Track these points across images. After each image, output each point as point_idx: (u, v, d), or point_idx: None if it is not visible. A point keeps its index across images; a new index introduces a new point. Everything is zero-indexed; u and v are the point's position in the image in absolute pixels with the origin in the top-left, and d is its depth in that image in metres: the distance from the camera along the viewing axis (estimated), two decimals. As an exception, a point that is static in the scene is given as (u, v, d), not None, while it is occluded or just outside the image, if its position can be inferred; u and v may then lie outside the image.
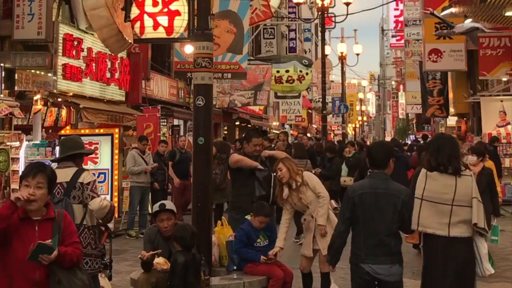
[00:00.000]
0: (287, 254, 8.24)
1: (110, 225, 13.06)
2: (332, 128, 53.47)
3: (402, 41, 42.42)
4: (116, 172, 13.43)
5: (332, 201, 7.52)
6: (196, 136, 6.97)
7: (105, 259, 6.06)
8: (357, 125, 76.42)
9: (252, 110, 32.99)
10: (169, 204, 6.62)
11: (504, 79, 17.64)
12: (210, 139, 7.08)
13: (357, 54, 44.53)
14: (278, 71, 25.44)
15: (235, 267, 6.99)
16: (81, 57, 15.68)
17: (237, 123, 31.99)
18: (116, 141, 13.55)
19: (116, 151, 13.49)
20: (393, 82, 75.99)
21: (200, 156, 6.98)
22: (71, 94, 15.41)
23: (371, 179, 5.32)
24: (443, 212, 5.13)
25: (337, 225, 5.46)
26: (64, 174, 5.59)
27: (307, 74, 26.28)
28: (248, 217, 7.18)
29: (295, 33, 40.05)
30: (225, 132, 31.14)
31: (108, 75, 17.16)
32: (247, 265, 6.95)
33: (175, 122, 23.85)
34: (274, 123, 38.47)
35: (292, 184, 7.20)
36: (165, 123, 23.06)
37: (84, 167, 13.00)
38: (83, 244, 5.37)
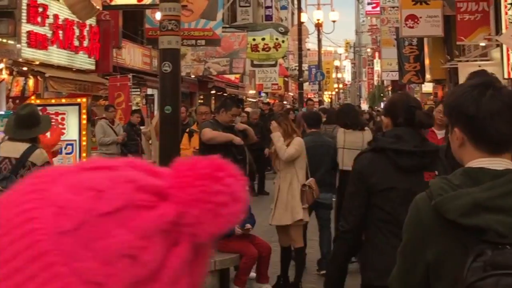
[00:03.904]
0: (263, 227, 7.88)
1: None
2: (309, 96, 53.12)
3: (378, 8, 41.98)
4: (84, 143, 12.99)
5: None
6: (163, 105, 6.55)
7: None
8: (333, 93, 76.18)
9: (228, 78, 32.50)
10: None
11: (482, 44, 17.33)
12: (178, 108, 6.66)
13: (334, 21, 44.01)
14: (254, 39, 25.06)
15: (205, 244, 6.63)
16: (46, 24, 15.08)
17: (213, 91, 31.52)
18: (84, 110, 13.09)
19: (84, 122, 13.04)
20: (368, 50, 75.82)
21: (167, 126, 6.57)
22: (37, 62, 14.85)
23: (312, 136, 7.75)
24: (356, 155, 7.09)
25: None
26: (14, 148, 5.08)
27: (283, 41, 25.95)
28: None
29: (272, 1, 39.43)
30: (201, 101, 30.67)
31: (76, 43, 16.58)
32: (220, 241, 6.58)
33: (149, 91, 23.34)
34: (251, 92, 38.03)
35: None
36: (139, 93, 22.57)
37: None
38: None
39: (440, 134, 6.55)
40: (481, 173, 1.94)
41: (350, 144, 7.71)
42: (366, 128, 8.23)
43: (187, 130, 8.91)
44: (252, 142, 8.09)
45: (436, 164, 3.37)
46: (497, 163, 1.96)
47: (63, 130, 13.01)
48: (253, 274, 6.86)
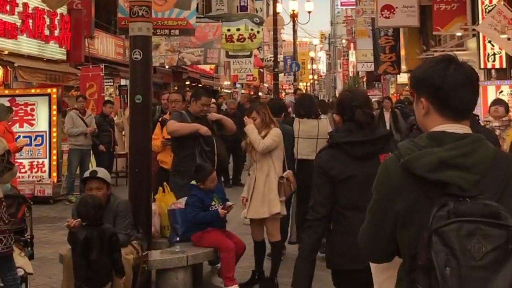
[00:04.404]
0: (237, 220, 7.63)
1: (48, 190, 12.45)
2: (284, 87, 52.86)
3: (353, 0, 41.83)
4: (54, 134, 12.68)
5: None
6: (133, 94, 6.27)
7: (26, 235, 5.35)
8: (309, 84, 76.04)
9: (202, 69, 32.16)
10: (102, 172, 5.83)
11: (458, 34, 17.23)
12: (149, 98, 6.38)
13: (309, 12, 43.77)
14: (229, 30, 24.80)
15: (178, 239, 6.37)
16: (16, 13, 14.70)
17: (187, 82, 31.18)
18: (54, 101, 12.77)
19: (54, 112, 12.74)
20: (343, 41, 75.71)
21: (137, 116, 6.29)
22: (6, 52, 14.47)
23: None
24: (312, 144, 7.49)
25: None
26: None
27: (258, 32, 25.72)
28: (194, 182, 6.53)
29: (247, -9, 39.06)
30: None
31: (46, 32, 16.20)
32: (196, 234, 6.33)
33: (122, 82, 22.97)
34: (226, 83, 37.74)
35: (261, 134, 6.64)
36: (112, 83, 22.21)
37: (20, 129, 12.30)
38: None
39: None
40: (444, 136, 2.20)
41: (304, 133, 7.84)
42: (322, 116, 8.18)
43: (160, 119, 8.66)
44: (231, 133, 7.80)
45: (390, 146, 3.72)
46: (458, 128, 2.22)
47: (32, 121, 12.73)
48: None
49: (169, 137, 7.55)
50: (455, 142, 2.16)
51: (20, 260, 5.10)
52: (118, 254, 5.06)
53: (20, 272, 5.08)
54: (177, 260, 5.93)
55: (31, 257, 5.45)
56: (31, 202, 5.62)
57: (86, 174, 5.74)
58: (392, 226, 2.22)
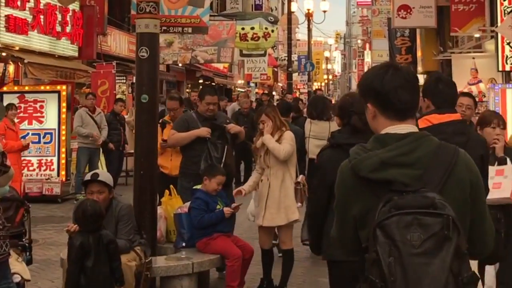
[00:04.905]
0: (244, 226, 7.43)
1: (56, 189, 12.28)
2: (298, 87, 52.58)
3: (369, -1, 41.53)
4: (63, 132, 12.52)
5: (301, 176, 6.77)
6: (139, 94, 6.05)
7: (24, 239, 5.13)
8: (323, 84, 75.76)
9: (216, 68, 31.99)
10: (103, 174, 5.59)
11: (476, 35, 16.91)
12: (156, 97, 6.16)
13: (324, 11, 43.50)
14: (243, 28, 24.66)
15: (184, 244, 6.14)
16: (27, 8, 14.55)
17: (201, 81, 31.04)
18: (64, 98, 12.61)
19: (64, 110, 12.58)
20: (359, 41, 75.42)
21: (143, 116, 6.06)
22: (17, 48, 14.30)
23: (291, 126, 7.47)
24: (322, 144, 7.10)
25: None
26: None
27: (272, 31, 25.56)
28: (198, 187, 6.30)
29: (261, -11, 38.85)
30: (188, 91, 30.19)
31: (58, 28, 16.03)
32: (202, 240, 6.09)
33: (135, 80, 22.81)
34: (239, 82, 37.54)
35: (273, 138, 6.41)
36: (124, 81, 22.07)
37: (29, 127, 12.13)
38: None
39: None
40: (387, 138, 2.39)
41: (315, 134, 7.96)
42: (334, 118, 8.02)
43: (160, 120, 8.46)
44: (240, 140, 7.57)
45: None
46: (401, 129, 2.40)
47: (41, 119, 12.57)
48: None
49: (166, 138, 7.40)
50: (396, 142, 2.34)
51: (17, 265, 4.87)
52: (118, 262, 4.81)
53: (17, 279, 4.85)
54: (182, 267, 5.68)
55: (29, 262, 5.23)
56: (30, 205, 5.39)
57: (87, 177, 5.51)
58: (353, 226, 2.38)
